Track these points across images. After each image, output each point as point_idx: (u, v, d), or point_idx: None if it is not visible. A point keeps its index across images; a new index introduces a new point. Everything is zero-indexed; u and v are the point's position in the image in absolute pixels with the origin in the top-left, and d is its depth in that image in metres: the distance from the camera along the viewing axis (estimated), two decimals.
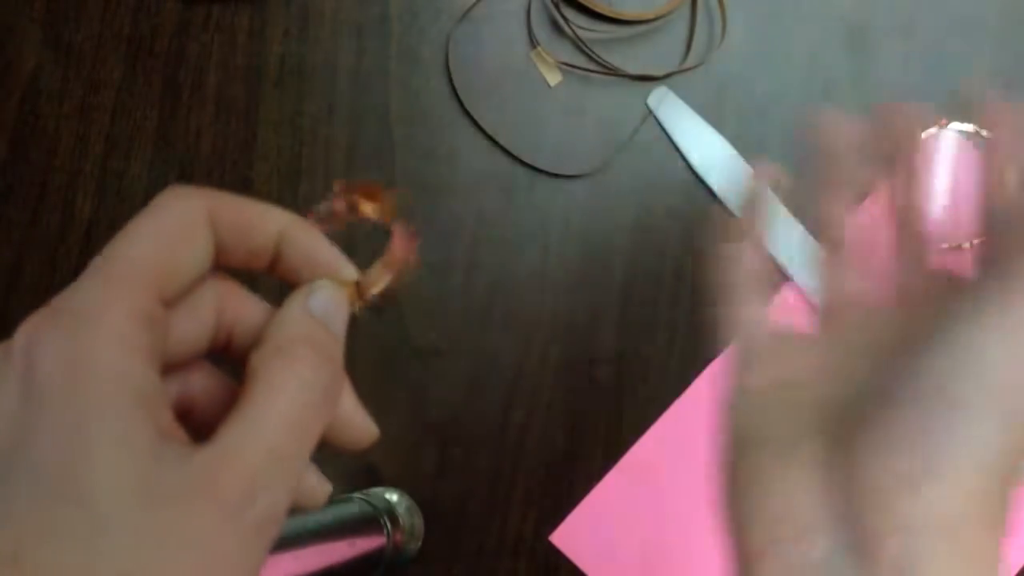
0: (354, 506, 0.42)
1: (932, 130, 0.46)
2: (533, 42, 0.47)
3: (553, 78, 0.47)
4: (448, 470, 0.46)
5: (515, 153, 0.46)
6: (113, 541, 0.17)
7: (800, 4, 0.47)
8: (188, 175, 0.47)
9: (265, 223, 0.22)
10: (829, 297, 0.29)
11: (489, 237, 0.46)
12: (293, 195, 0.47)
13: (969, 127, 0.46)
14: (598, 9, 0.46)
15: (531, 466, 0.45)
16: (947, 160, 0.46)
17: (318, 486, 0.23)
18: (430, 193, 0.47)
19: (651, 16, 0.46)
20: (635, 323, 0.46)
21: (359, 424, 0.23)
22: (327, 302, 0.22)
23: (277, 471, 0.19)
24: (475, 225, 0.46)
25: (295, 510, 0.21)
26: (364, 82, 0.47)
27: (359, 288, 0.24)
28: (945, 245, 0.46)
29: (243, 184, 0.47)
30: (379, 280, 0.24)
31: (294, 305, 0.21)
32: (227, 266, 0.22)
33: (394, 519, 0.43)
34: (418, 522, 0.45)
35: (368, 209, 0.25)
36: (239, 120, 0.47)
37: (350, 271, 0.24)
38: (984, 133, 0.44)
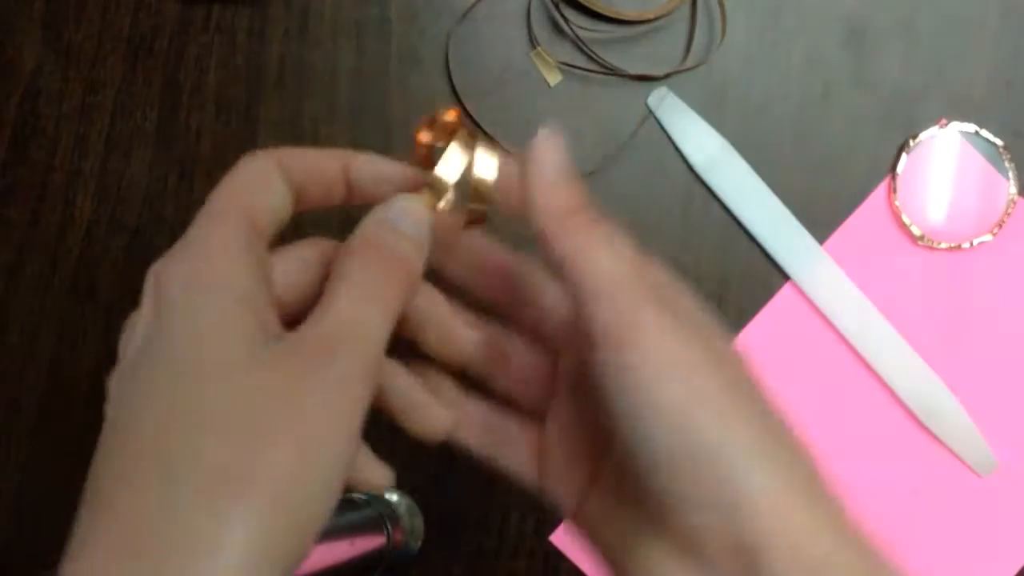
0: (354, 506, 0.42)
1: (932, 130, 0.46)
2: (533, 42, 0.47)
3: (553, 78, 0.47)
4: (448, 470, 0.46)
5: (515, 153, 0.46)
6: (217, 396, 0.20)
7: (800, 4, 0.47)
8: (188, 175, 0.47)
9: (328, 160, 0.26)
10: None
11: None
12: None
13: (969, 127, 0.46)
14: (598, 9, 0.46)
15: None
16: (947, 160, 0.46)
17: (377, 470, 0.26)
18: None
19: (651, 16, 0.46)
20: None
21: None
22: (398, 211, 0.25)
23: (353, 333, 0.22)
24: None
25: (350, 489, 0.24)
26: (364, 82, 0.47)
27: (435, 189, 0.26)
28: (944, 245, 0.46)
29: None
30: (448, 172, 0.26)
31: (367, 218, 0.25)
32: (313, 205, 0.26)
33: (394, 519, 0.43)
34: (418, 522, 0.45)
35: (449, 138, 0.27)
36: (239, 120, 0.47)
37: (413, 174, 0.26)
38: (982, 133, 0.45)
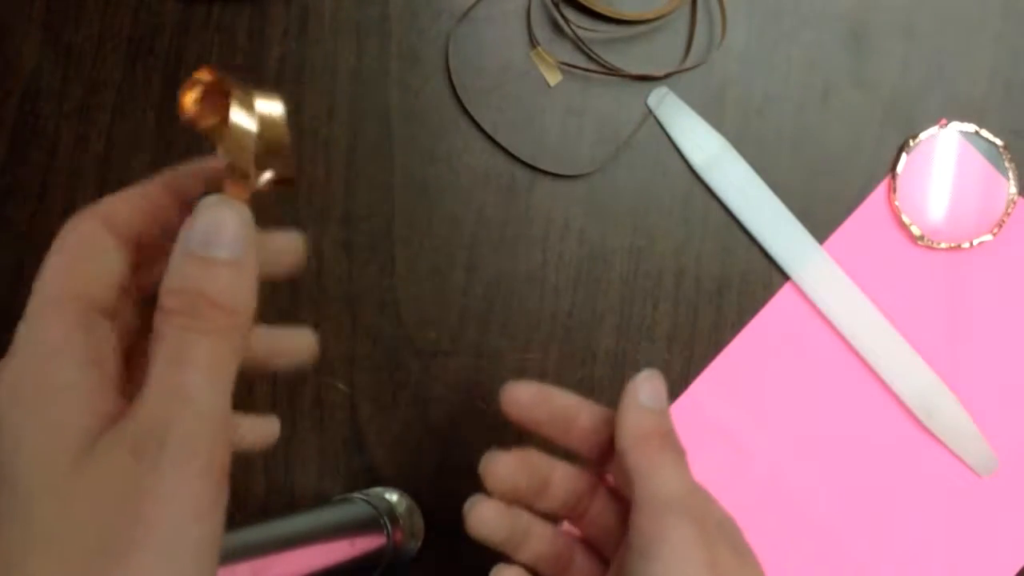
0: (354, 506, 0.42)
1: (932, 130, 0.46)
2: (533, 42, 0.47)
3: (553, 78, 0.47)
4: (448, 470, 0.46)
5: (515, 153, 0.46)
6: (44, 508, 0.19)
7: (800, 4, 0.47)
8: None
9: (151, 192, 0.24)
10: None
11: (489, 237, 0.46)
12: (293, 195, 0.47)
13: (969, 127, 0.46)
14: (598, 9, 0.46)
15: None
16: (947, 160, 0.46)
17: (263, 424, 0.27)
18: (430, 193, 0.47)
19: (651, 16, 0.46)
20: (635, 323, 0.46)
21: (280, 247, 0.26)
22: (203, 231, 0.22)
23: (177, 408, 0.20)
24: (475, 225, 0.46)
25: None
26: (364, 82, 0.47)
27: (235, 170, 0.22)
28: (944, 245, 0.46)
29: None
30: (244, 152, 0.22)
31: (173, 254, 0.22)
32: (165, 241, 0.23)
33: (394, 519, 0.43)
34: (418, 522, 0.45)
35: (224, 102, 0.24)
36: None
37: (214, 161, 0.23)
38: (982, 133, 0.45)
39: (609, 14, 0.46)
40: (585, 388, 0.46)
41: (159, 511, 0.19)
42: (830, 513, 0.45)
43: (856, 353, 0.45)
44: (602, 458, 0.33)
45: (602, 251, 0.46)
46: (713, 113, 0.46)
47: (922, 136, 0.46)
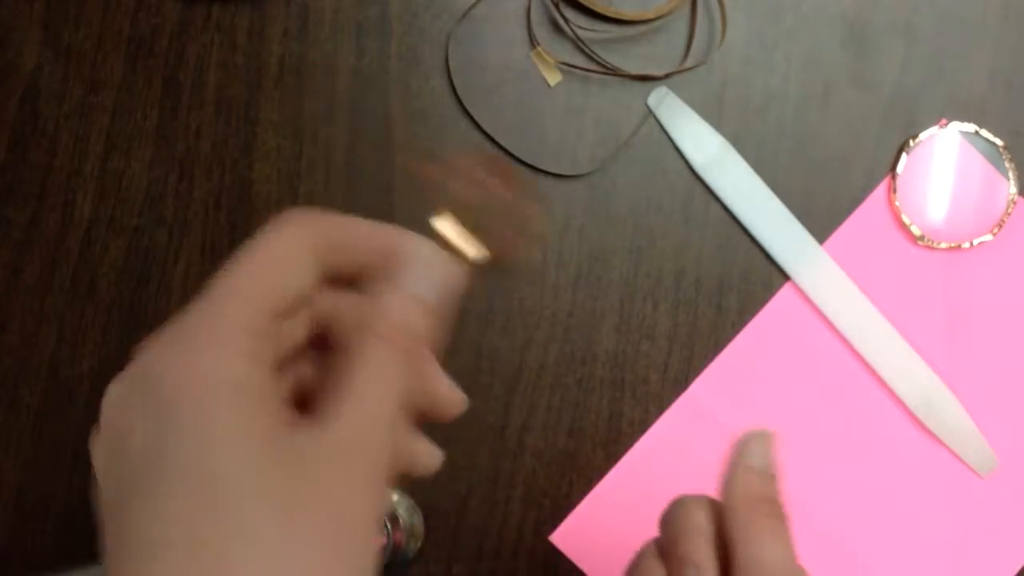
0: None
1: (932, 130, 0.46)
2: (533, 42, 0.47)
3: (553, 78, 0.47)
4: (448, 470, 0.45)
5: (515, 153, 0.46)
6: (243, 506, 0.19)
7: (800, 4, 0.47)
8: (188, 175, 0.47)
9: (373, 239, 0.24)
10: None
11: None
12: (293, 195, 0.47)
13: (969, 127, 0.46)
14: (598, 9, 0.46)
15: (531, 466, 0.45)
16: (947, 160, 0.46)
17: (431, 452, 0.26)
18: (430, 193, 0.47)
19: (651, 16, 0.46)
20: (635, 323, 0.46)
21: (447, 395, 0.26)
22: (428, 278, 0.24)
23: (373, 433, 0.21)
24: (475, 225, 0.46)
25: (405, 477, 0.25)
26: (364, 82, 0.47)
27: (466, 248, 0.25)
28: (944, 245, 0.46)
29: (243, 184, 0.47)
30: (477, 241, 0.25)
31: (396, 290, 0.23)
32: (341, 279, 0.24)
33: (394, 519, 0.43)
34: (418, 522, 0.45)
35: (498, 186, 0.26)
36: (239, 120, 0.47)
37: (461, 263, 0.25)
38: (982, 133, 0.45)
39: (609, 14, 0.46)
40: (585, 388, 0.46)
41: (353, 521, 0.20)
42: (830, 512, 0.45)
43: (856, 353, 0.45)
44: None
45: (602, 251, 0.46)
46: (713, 113, 0.46)
47: (922, 136, 0.46)
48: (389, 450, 0.22)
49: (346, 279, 0.24)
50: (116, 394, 0.21)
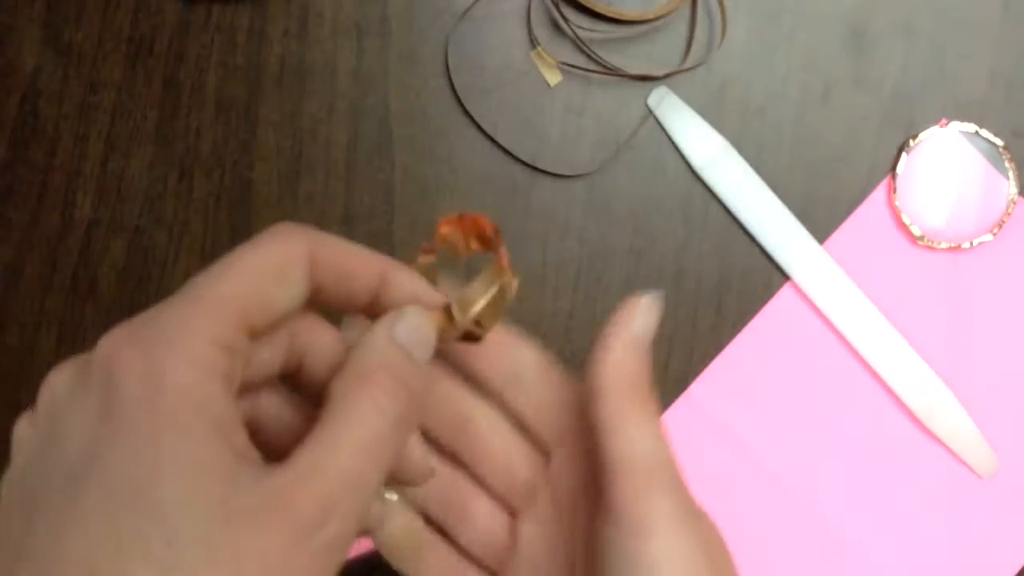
0: None
1: (932, 130, 0.46)
2: (533, 42, 0.47)
3: (553, 78, 0.47)
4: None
5: (515, 153, 0.46)
6: (185, 555, 0.17)
7: (800, 4, 0.47)
8: (188, 175, 0.47)
9: (366, 268, 0.23)
10: None
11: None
12: (293, 195, 0.47)
13: (969, 127, 0.46)
14: (598, 9, 0.46)
15: None
16: (947, 160, 0.46)
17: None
18: (430, 193, 0.47)
19: (651, 16, 0.46)
20: None
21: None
22: (413, 329, 0.22)
23: (350, 496, 0.19)
24: None
25: (389, 482, 0.23)
26: (364, 82, 0.47)
27: (451, 314, 0.23)
28: (944, 245, 0.46)
29: (243, 184, 0.47)
30: (472, 304, 0.23)
31: (379, 331, 0.21)
32: (324, 306, 0.23)
33: None
34: None
35: (475, 244, 0.26)
36: (239, 120, 0.47)
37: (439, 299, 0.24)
38: (982, 133, 0.45)
39: (609, 14, 0.46)
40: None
41: None
42: (830, 513, 0.45)
43: (856, 353, 0.45)
44: (505, 397, 0.29)
45: (602, 251, 0.46)
46: (713, 113, 0.46)
47: (922, 136, 0.46)
48: (364, 513, 0.20)
49: (331, 308, 0.23)
50: (62, 384, 0.20)
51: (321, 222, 0.47)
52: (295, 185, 0.47)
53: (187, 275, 0.46)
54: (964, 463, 0.45)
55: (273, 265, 0.21)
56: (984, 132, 0.46)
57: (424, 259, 0.26)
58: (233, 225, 0.47)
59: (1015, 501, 0.45)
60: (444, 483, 0.28)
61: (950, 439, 0.45)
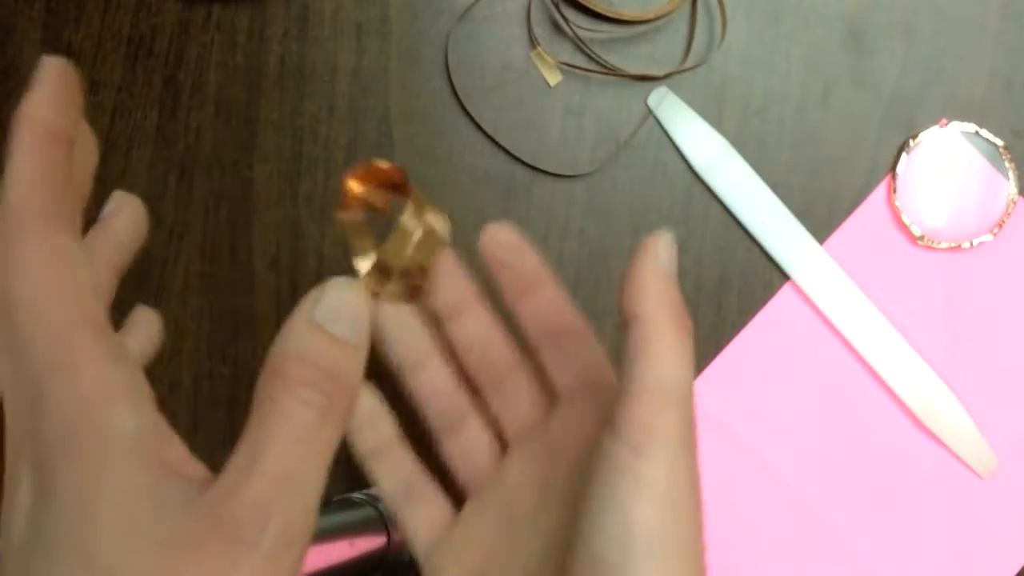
0: (354, 506, 0.42)
1: (932, 130, 0.46)
2: (533, 42, 0.47)
3: (553, 78, 0.47)
4: (447, 469, 0.45)
5: (515, 153, 0.46)
6: None
7: (800, 4, 0.47)
8: (188, 175, 0.47)
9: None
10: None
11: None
12: (293, 195, 0.47)
13: (969, 127, 0.46)
14: (598, 9, 0.46)
15: None
16: (947, 160, 0.46)
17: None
18: (430, 193, 0.47)
19: (651, 16, 0.46)
20: None
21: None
22: (337, 306, 0.20)
23: (286, 494, 0.18)
24: (475, 225, 0.46)
25: None
26: (364, 82, 0.47)
27: (384, 270, 0.22)
28: (944, 245, 0.46)
29: (243, 184, 0.47)
30: (401, 252, 0.22)
31: (296, 318, 0.20)
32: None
33: (394, 520, 0.43)
34: None
35: (390, 193, 0.25)
36: (239, 120, 0.47)
37: (361, 263, 0.23)
38: (982, 133, 0.45)
39: (609, 14, 0.46)
40: None
41: None
42: (829, 512, 0.45)
43: (856, 353, 0.45)
44: (537, 343, 0.30)
45: (602, 251, 0.46)
46: (713, 113, 0.46)
47: (922, 136, 0.46)
48: (308, 513, 0.19)
49: None
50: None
51: (321, 222, 0.47)
52: (295, 185, 0.47)
53: (187, 275, 0.46)
54: (963, 462, 0.45)
55: (64, 259, 0.20)
56: (984, 132, 0.46)
57: (346, 216, 0.24)
58: (233, 225, 0.47)
59: (1014, 500, 0.45)
60: (450, 393, 0.30)
61: (950, 439, 0.45)
